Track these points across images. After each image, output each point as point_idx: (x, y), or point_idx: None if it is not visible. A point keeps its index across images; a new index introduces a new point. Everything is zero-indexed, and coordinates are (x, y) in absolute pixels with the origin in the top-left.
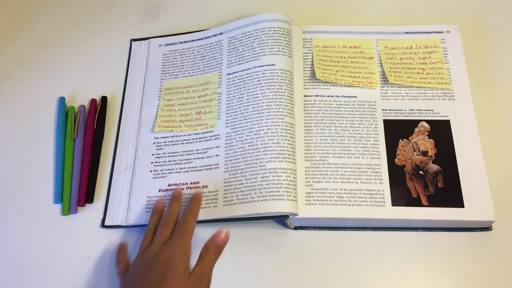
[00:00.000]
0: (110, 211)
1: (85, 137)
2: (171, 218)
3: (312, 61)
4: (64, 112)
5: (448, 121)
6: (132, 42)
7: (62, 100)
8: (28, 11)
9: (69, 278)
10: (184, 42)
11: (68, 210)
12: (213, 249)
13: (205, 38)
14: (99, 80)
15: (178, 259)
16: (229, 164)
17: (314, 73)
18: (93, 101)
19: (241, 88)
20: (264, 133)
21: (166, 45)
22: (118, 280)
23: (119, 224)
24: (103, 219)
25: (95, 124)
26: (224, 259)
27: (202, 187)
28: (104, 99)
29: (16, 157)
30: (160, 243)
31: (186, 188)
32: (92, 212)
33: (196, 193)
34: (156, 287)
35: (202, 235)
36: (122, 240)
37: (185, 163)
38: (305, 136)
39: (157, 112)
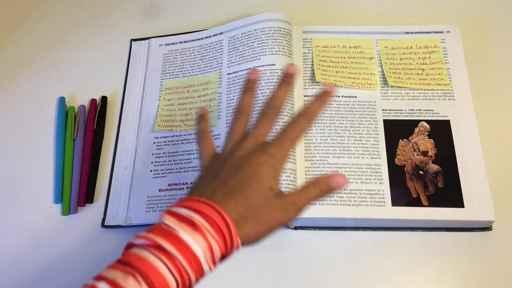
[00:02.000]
0: (110, 211)
1: (85, 137)
2: (276, 107)
3: (312, 61)
4: (64, 112)
5: (448, 121)
6: (132, 42)
7: (62, 100)
8: (28, 11)
9: (69, 278)
10: (185, 42)
11: (68, 210)
12: (323, 187)
13: (205, 38)
14: (99, 80)
15: (267, 171)
16: None
17: (314, 74)
18: (93, 101)
19: (241, 88)
20: None
21: (166, 45)
22: (199, 161)
23: (119, 224)
24: (103, 219)
25: (95, 124)
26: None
27: None
28: (104, 99)
29: (16, 157)
30: (255, 141)
31: (187, 188)
32: (92, 212)
33: (329, 86)
34: (234, 194)
35: None
36: (200, 108)
37: (185, 163)
38: (305, 136)
39: (157, 111)
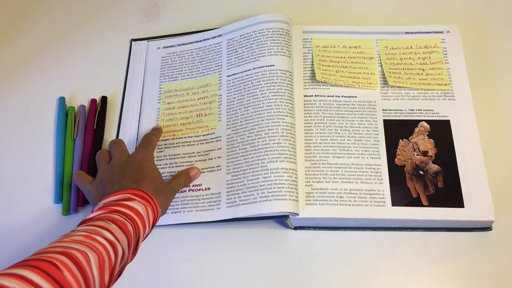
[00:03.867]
0: None
1: (85, 137)
2: (120, 143)
3: (312, 61)
4: (64, 112)
5: (448, 121)
6: (132, 42)
7: (62, 100)
8: (28, 11)
9: None
10: (183, 44)
11: (68, 210)
12: (185, 177)
13: (204, 40)
14: (99, 80)
15: (151, 163)
16: (231, 165)
17: (314, 74)
18: (93, 101)
19: (241, 90)
20: (265, 134)
21: (164, 47)
22: (83, 189)
23: None
24: None
25: (95, 124)
26: (224, 259)
27: (205, 189)
28: (104, 99)
29: (16, 157)
30: (124, 154)
31: (189, 191)
32: None
33: (157, 126)
34: (141, 180)
35: (206, 236)
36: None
37: (186, 165)
38: (305, 136)
39: (157, 115)
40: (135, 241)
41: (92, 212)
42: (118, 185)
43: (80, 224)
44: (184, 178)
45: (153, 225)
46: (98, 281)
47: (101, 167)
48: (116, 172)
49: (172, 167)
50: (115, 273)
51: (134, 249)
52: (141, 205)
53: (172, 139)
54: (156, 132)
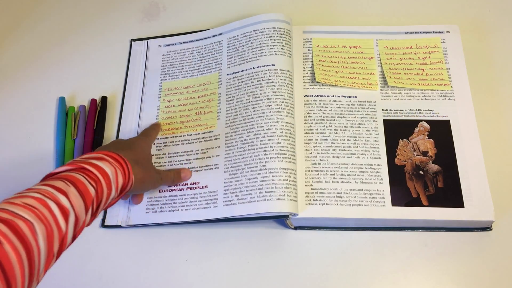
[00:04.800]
0: (110, 211)
1: (85, 137)
2: (151, 129)
3: (312, 61)
4: (64, 112)
5: (448, 121)
6: (132, 42)
7: (62, 100)
8: (28, 11)
9: (69, 278)
10: (184, 42)
11: None
12: (176, 174)
13: (205, 38)
14: (99, 80)
15: (144, 144)
16: (229, 164)
17: (314, 74)
18: (93, 101)
19: (240, 89)
20: (264, 133)
21: (165, 46)
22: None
23: (119, 224)
24: (103, 219)
25: (95, 124)
26: (224, 259)
27: (202, 187)
28: (104, 99)
29: (16, 157)
30: (137, 135)
31: (187, 189)
32: None
33: (156, 122)
34: (125, 149)
35: (206, 236)
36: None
37: (185, 163)
38: (305, 136)
39: (157, 113)
40: (96, 204)
41: (59, 167)
42: (102, 149)
43: (44, 178)
44: (173, 174)
45: (122, 191)
46: (44, 252)
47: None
48: (112, 143)
49: (171, 165)
50: (67, 241)
51: (93, 213)
52: (110, 166)
53: (171, 137)
54: (155, 126)
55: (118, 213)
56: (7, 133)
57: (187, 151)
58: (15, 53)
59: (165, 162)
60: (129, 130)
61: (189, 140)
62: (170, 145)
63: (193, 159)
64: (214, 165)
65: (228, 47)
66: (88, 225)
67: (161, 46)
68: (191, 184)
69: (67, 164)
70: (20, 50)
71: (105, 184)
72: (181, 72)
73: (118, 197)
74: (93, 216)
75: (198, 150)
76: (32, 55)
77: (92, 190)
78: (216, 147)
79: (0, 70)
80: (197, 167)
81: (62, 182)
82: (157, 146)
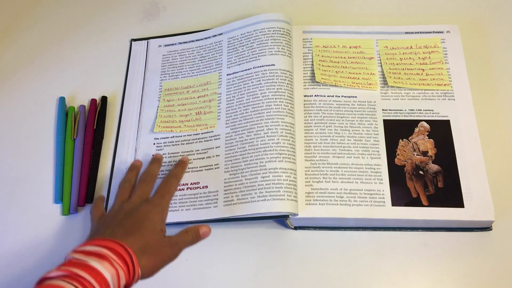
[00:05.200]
0: None
1: (85, 137)
2: (151, 176)
3: (312, 61)
4: (64, 112)
5: (448, 121)
6: (132, 42)
7: (62, 100)
8: (28, 11)
9: None
10: (184, 42)
11: (68, 210)
12: (194, 234)
13: (205, 38)
14: (99, 80)
15: (156, 216)
16: (229, 164)
17: (314, 74)
18: (93, 101)
19: (241, 89)
20: (264, 133)
21: (165, 45)
22: (91, 223)
23: None
24: None
25: (95, 124)
26: (224, 259)
27: (202, 187)
28: (104, 99)
29: (16, 157)
30: (140, 198)
31: (187, 189)
32: None
33: (183, 158)
34: (132, 233)
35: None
36: (100, 194)
37: None
38: (305, 136)
39: (157, 112)
40: None
41: (55, 268)
42: (109, 231)
43: (37, 283)
44: (192, 236)
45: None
46: None
47: (115, 204)
48: (119, 216)
49: (171, 165)
50: None
51: None
52: (110, 268)
53: (171, 137)
54: (178, 171)
55: None
56: (7, 133)
57: (187, 151)
58: (15, 53)
59: (165, 162)
60: (129, 130)
61: (189, 140)
62: (170, 145)
63: (193, 159)
64: (214, 165)
65: (228, 47)
66: None
67: (161, 46)
68: (191, 184)
69: (61, 266)
70: (20, 50)
71: None
72: (181, 72)
73: None
74: None
75: (198, 150)
76: (32, 55)
77: None
78: (216, 147)
79: (0, 70)
80: (197, 167)
81: None
82: (157, 146)
